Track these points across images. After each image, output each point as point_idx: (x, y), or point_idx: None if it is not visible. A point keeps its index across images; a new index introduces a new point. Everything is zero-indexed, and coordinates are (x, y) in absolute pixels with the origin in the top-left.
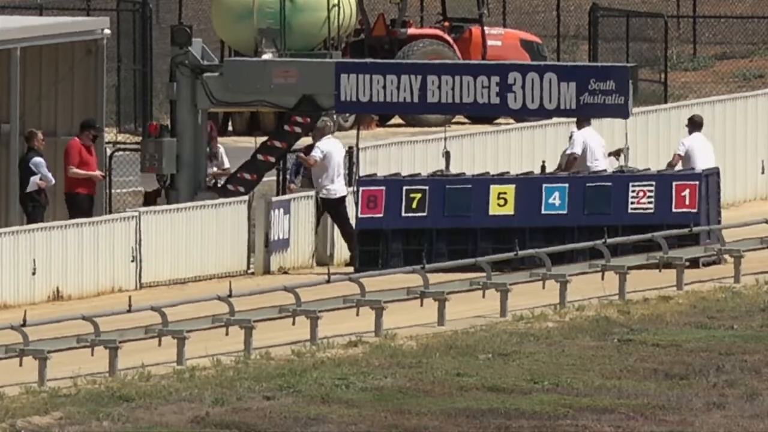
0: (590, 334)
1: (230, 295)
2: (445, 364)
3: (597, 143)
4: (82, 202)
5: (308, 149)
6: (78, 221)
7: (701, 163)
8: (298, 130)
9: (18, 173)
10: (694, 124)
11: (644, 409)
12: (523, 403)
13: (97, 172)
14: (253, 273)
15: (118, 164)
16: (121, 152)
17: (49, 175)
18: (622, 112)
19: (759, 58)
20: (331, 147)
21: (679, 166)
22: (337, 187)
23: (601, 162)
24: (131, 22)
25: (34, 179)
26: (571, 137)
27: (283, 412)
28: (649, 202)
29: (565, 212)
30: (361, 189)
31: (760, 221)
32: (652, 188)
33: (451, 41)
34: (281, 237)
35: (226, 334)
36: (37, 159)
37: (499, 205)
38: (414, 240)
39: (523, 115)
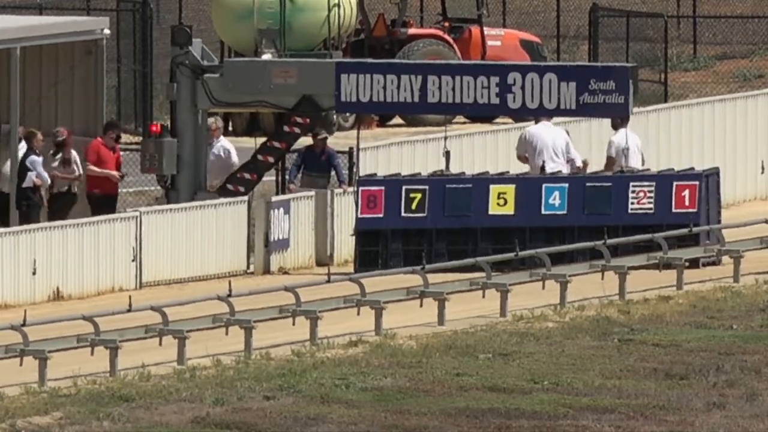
0: (590, 334)
1: (230, 295)
2: (445, 364)
3: (548, 141)
4: (97, 201)
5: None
6: (78, 221)
7: (637, 161)
8: (297, 130)
9: (17, 173)
10: (623, 119)
11: (644, 409)
12: (523, 403)
13: (115, 172)
14: (253, 273)
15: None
16: (121, 152)
17: (45, 174)
18: (622, 112)
19: (759, 58)
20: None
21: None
22: None
23: (554, 162)
24: (131, 22)
25: (31, 175)
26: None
27: (283, 412)
28: (649, 203)
29: (565, 212)
30: (360, 189)
31: (760, 221)
32: (652, 188)
33: (451, 41)
34: (281, 237)
35: (226, 334)
36: (34, 157)
37: (499, 205)
38: (414, 240)
39: (523, 115)
